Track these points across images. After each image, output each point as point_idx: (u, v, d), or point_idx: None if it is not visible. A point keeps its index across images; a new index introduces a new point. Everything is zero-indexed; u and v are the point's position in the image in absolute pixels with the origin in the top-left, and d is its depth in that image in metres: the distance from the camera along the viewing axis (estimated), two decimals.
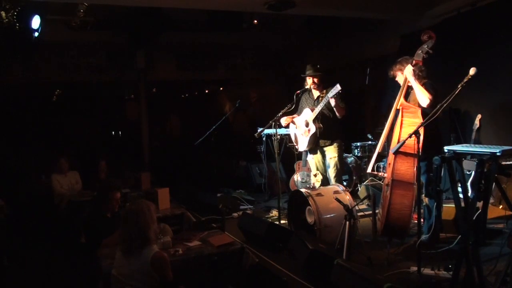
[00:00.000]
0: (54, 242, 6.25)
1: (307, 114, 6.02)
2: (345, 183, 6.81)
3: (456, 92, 3.94)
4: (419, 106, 4.82)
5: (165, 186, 6.20)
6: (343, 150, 6.31)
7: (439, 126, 5.00)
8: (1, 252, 5.58)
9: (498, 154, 3.38)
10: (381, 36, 8.56)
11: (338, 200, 4.66)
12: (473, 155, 3.73)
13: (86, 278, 4.60)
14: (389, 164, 4.73)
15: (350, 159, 7.86)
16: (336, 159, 6.00)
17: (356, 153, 8.03)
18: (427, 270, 4.15)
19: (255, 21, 9.08)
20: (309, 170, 6.48)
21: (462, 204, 3.68)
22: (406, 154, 4.53)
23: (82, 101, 11.99)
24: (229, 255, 4.21)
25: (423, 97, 4.74)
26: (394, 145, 4.68)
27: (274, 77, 12.03)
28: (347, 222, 4.42)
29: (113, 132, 14.24)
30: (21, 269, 5.57)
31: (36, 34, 6.23)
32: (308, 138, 6.01)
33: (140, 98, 11.42)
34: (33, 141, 10.42)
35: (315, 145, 6.08)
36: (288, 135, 6.75)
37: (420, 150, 4.33)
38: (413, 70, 4.85)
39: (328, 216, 5.09)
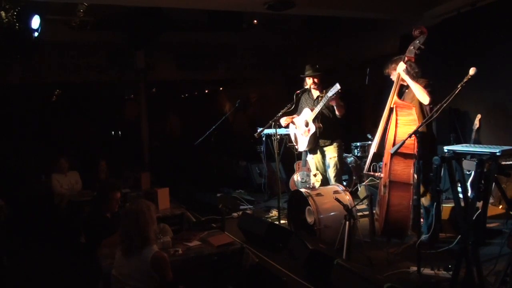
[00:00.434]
0: (54, 242, 6.25)
1: (307, 114, 6.02)
2: (345, 183, 6.81)
3: (456, 92, 3.95)
4: (418, 104, 4.82)
5: (165, 186, 6.19)
6: (343, 150, 6.31)
7: (432, 125, 5.00)
8: (1, 252, 5.58)
9: (498, 154, 3.39)
10: (381, 36, 8.57)
11: (338, 200, 4.66)
12: (473, 155, 3.73)
13: (86, 278, 4.59)
14: (385, 164, 4.72)
15: (350, 159, 7.85)
16: (336, 159, 6.00)
17: (356, 153, 8.03)
18: (427, 270, 4.15)
19: (255, 21, 9.08)
20: (309, 170, 6.48)
21: (462, 204, 3.68)
22: (402, 154, 4.52)
23: (82, 101, 12.00)
24: (229, 255, 4.21)
25: (422, 96, 4.74)
26: (390, 144, 4.66)
27: (274, 77, 12.02)
28: (347, 222, 4.42)
29: (113, 132, 14.25)
30: (21, 269, 5.56)
31: (36, 34, 6.23)
32: (308, 138, 6.01)
33: (140, 98, 11.42)
34: (33, 141, 10.41)
35: (315, 145, 6.08)
36: (288, 135, 6.75)
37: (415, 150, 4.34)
38: (406, 67, 4.81)
39: (328, 216, 5.09)
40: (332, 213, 5.10)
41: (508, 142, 5.71)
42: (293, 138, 6.47)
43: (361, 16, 7.93)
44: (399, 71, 4.85)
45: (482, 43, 6.80)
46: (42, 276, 5.31)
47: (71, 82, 10.75)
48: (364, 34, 9.10)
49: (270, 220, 6.53)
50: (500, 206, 5.33)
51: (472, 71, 3.90)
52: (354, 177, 7.57)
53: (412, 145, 4.46)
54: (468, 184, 5.22)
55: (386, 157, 4.70)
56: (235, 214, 7.03)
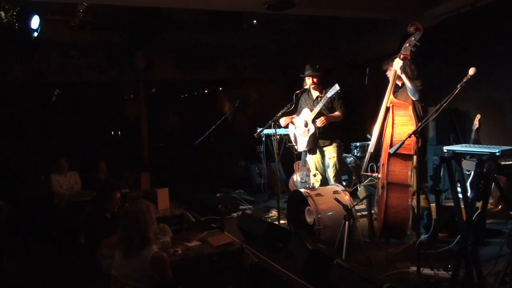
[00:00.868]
0: (53, 242, 6.25)
1: (306, 114, 6.02)
2: (344, 183, 6.80)
3: (456, 92, 3.94)
4: (412, 103, 4.82)
5: (165, 186, 6.20)
6: (343, 150, 6.31)
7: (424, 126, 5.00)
8: (1, 252, 5.58)
9: (497, 154, 3.39)
10: (381, 36, 8.57)
11: (337, 200, 4.65)
12: (472, 155, 3.73)
13: (85, 278, 4.59)
14: (383, 164, 4.69)
15: (350, 159, 7.85)
16: (335, 159, 6.00)
17: (356, 153, 8.02)
18: (427, 270, 4.15)
19: (255, 21, 9.08)
20: (308, 170, 6.47)
21: (462, 204, 3.68)
22: (400, 155, 4.48)
23: (82, 101, 12.00)
24: (228, 255, 4.22)
25: (413, 93, 4.75)
26: (387, 144, 4.64)
27: (273, 77, 12.02)
28: (347, 222, 4.41)
29: (112, 132, 14.24)
30: (21, 269, 5.56)
31: (36, 34, 6.23)
32: (307, 138, 6.01)
33: (139, 98, 11.42)
34: (33, 141, 10.41)
35: (314, 145, 6.08)
36: (288, 135, 6.75)
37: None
38: (403, 66, 4.76)
39: (328, 216, 5.09)
40: (331, 213, 5.09)
41: (508, 142, 5.70)
42: (292, 138, 6.47)
43: (360, 16, 7.93)
44: (396, 68, 4.78)
45: (482, 43, 6.80)
46: (42, 276, 5.32)
47: (71, 82, 10.75)
48: (364, 34, 9.10)
49: (269, 220, 6.51)
50: (500, 206, 5.32)
51: (471, 71, 3.89)
52: (353, 177, 7.57)
53: (409, 146, 4.41)
54: (468, 184, 5.22)
55: (384, 158, 4.67)
56: (234, 214, 7.02)
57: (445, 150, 3.76)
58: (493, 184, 3.66)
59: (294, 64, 10.80)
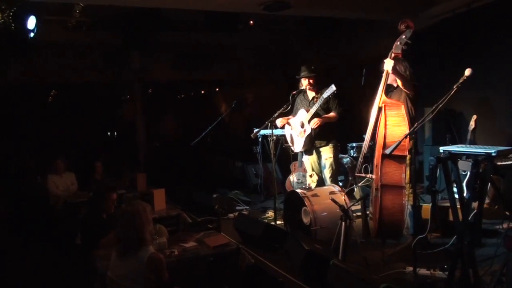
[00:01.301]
0: (49, 243, 6.23)
1: (302, 115, 6.03)
2: (340, 184, 6.80)
3: (452, 93, 3.92)
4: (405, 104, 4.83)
5: (161, 187, 6.19)
6: (339, 150, 6.32)
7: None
8: None
9: (493, 154, 3.40)
10: (378, 37, 8.56)
11: (334, 200, 4.66)
12: (468, 155, 3.74)
13: (81, 279, 4.57)
14: (376, 165, 4.66)
15: (346, 159, 7.85)
16: (331, 159, 6.00)
17: (352, 154, 8.02)
18: (423, 270, 4.16)
19: (251, 22, 9.07)
20: (305, 170, 6.47)
21: (458, 205, 3.69)
22: (393, 156, 4.43)
23: (78, 102, 11.94)
24: (225, 256, 4.22)
25: (405, 88, 4.78)
26: (380, 145, 4.60)
27: (270, 78, 12.00)
28: (343, 223, 4.41)
29: (109, 133, 14.20)
30: (16, 270, 5.53)
31: (32, 34, 6.21)
32: (303, 139, 6.01)
33: (135, 98, 11.40)
34: (28, 142, 10.37)
35: (310, 146, 6.08)
36: (284, 135, 6.75)
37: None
38: (396, 67, 4.75)
39: (324, 216, 5.08)
40: (328, 214, 5.08)
41: (504, 143, 5.74)
42: (289, 139, 6.47)
43: (357, 17, 7.93)
44: (387, 68, 4.75)
45: (477, 44, 6.83)
46: (37, 277, 5.29)
47: (68, 82, 10.71)
48: (361, 35, 9.11)
49: (266, 220, 6.51)
50: (496, 206, 5.33)
51: (467, 72, 3.88)
52: (350, 178, 7.57)
53: (403, 146, 4.38)
54: (464, 184, 5.22)
55: (377, 159, 4.64)
56: (231, 215, 7.02)
57: (441, 151, 3.77)
58: (489, 184, 3.67)
59: (291, 64, 10.78)
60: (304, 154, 6.30)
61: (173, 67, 11.19)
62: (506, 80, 6.43)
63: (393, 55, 4.77)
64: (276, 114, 6.12)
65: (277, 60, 11.69)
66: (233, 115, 12.22)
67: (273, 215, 6.44)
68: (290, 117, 6.31)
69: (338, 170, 6.42)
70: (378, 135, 4.66)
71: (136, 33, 8.74)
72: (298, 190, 5.47)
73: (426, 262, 4.24)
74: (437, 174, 3.64)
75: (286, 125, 6.36)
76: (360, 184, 5.10)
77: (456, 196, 3.68)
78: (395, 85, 5.03)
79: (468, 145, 4.98)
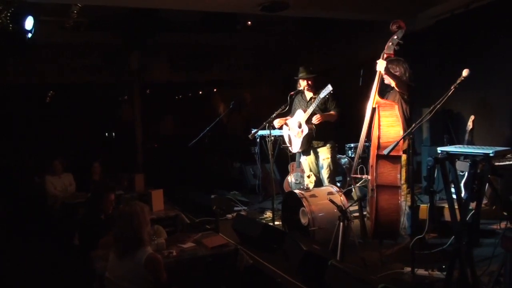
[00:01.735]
0: (47, 244, 6.22)
1: (300, 116, 6.02)
2: (338, 184, 6.81)
3: (449, 93, 3.93)
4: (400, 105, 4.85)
5: (159, 187, 6.19)
6: (336, 151, 6.32)
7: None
8: None
9: (491, 155, 3.40)
10: (375, 37, 8.55)
11: (331, 201, 4.64)
12: (466, 156, 3.75)
13: (79, 280, 4.56)
14: (371, 166, 4.67)
15: (344, 160, 7.85)
16: (329, 160, 6.00)
17: (350, 154, 8.02)
18: (421, 271, 4.15)
19: (249, 22, 9.07)
20: (303, 171, 6.46)
21: (456, 205, 3.69)
22: (388, 156, 4.43)
23: (76, 102, 11.93)
24: (223, 257, 4.23)
25: (401, 88, 4.81)
26: (374, 146, 4.62)
27: (269, 78, 12.00)
28: (341, 223, 4.41)
29: (107, 134, 14.18)
30: (14, 271, 5.53)
31: (30, 35, 6.20)
32: (301, 140, 6.01)
33: (134, 99, 11.38)
34: (26, 142, 10.36)
35: (308, 146, 6.08)
36: (282, 136, 6.75)
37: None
38: (386, 65, 4.76)
39: (322, 217, 5.08)
40: (326, 214, 5.08)
41: (501, 143, 5.74)
42: (286, 140, 6.46)
43: (354, 18, 7.93)
44: (379, 69, 4.77)
45: (475, 44, 6.83)
46: (35, 278, 5.28)
47: (66, 83, 10.70)
48: (359, 36, 9.10)
49: (264, 221, 6.50)
50: (494, 207, 5.33)
51: (465, 72, 3.89)
52: (348, 178, 7.57)
53: (398, 147, 4.36)
54: (462, 185, 5.23)
55: (372, 160, 4.65)
56: (229, 216, 7.01)
57: (439, 151, 3.76)
58: (487, 184, 3.67)
59: (290, 65, 10.79)
60: (302, 154, 6.29)
61: (172, 67, 11.18)
62: (504, 80, 6.44)
63: (385, 55, 4.79)
64: (274, 114, 6.12)
65: (276, 61, 11.69)
66: (232, 116, 12.21)
67: (271, 216, 6.43)
68: (288, 117, 6.31)
69: (336, 170, 6.43)
70: (373, 135, 4.67)
71: (135, 33, 8.72)
72: (296, 191, 5.47)
73: (424, 263, 4.23)
74: (435, 175, 3.65)
75: (284, 126, 6.36)
76: (358, 185, 5.10)
77: (454, 196, 3.70)
78: (392, 85, 5.04)
79: (466, 146, 4.98)
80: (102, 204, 4.74)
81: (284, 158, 7.14)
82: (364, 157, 5.43)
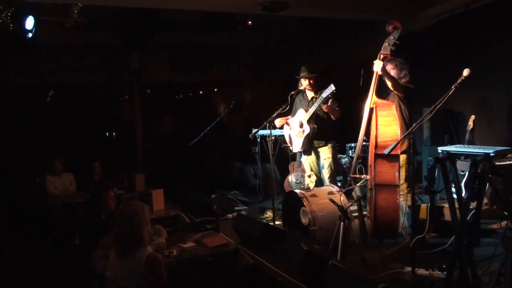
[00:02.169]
0: (47, 243, 6.21)
1: (301, 115, 6.02)
2: (339, 184, 6.80)
3: (450, 93, 3.94)
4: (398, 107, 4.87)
5: (160, 187, 6.18)
6: (337, 150, 6.31)
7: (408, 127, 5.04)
8: None
9: (491, 154, 3.42)
10: (376, 37, 8.57)
11: (332, 201, 4.64)
12: (466, 155, 3.76)
13: (80, 280, 4.55)
14: (370, 166, 4.69)
15: (345, 160, 7.85)
16: (330, 159, 6.00)
17: (351, 154, 8.02)
18: (421, 271, 4.15)
19: (250, 22, 9.07)
20: (303, 171, 6.46)
21: (456, 205, 3.69)
22: (385, 155, 4.46)
23: (76, 102, 11.93)
24: (223, 256, 4.23)
25: (397, 88, 4.86)
26: (372, 146, 4.64)
27: (269, 78, 12.00)
28: (341, 223, 4.41)
29: (107, 133, 14.18)
30: (14, 271, 5.52)
31: (30, 35, 6.19)
32: (302, 139, 6.01)
33: (134, 99, 11.38)
34: (27, 142, 10.36)
35: (309, 146, 6.08)
36: (283, 136, 6.75)
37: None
38: (383, 66, 4.78)
39: (322, 217, 5.07)
40: (326, 214, 5.07)
41: (502, 143, 5.74)
42: (287, 139, 6.46)
43: (354, 18, 7.93)
44: (376, 69, 4.79)
45: (476, 44, 6.83)
46: (36, 278, 5.28)
47: (66, 83, 10.70)
48: (359, 35, 9.09)
49: (264, 221, 6.50)
50: (494, 207, 5.33)
51: (465, 72, 3.90)
52: (348, 178, 7.56)
53: (396, 146, 4.40)
54: (462, 184, 5.23)
55: (370, 159, 4.68)
56: (229, 215, 6.99)
57: (439, 151, 3.76)
58: (488, 184, 3.67)
59: (290, 65, 10.79)
60: (302, 154, 6.29)
61: (172, 67, 11.17)
62: (505, 80, 6.44)
63: (382, 56, 4.85)
64: (275, 114, 6.12)
65: (276, 61, 11.68)
66: (232, 116, 12.21)
67: (272, 216, 6.43)
68: (289, 117, 6.30)
69: (337, 170, 6.43)
70: (370, 135, 4.71)
71: (135, 33, 8.72)
72: (297, 191, 5.47)
73: (425, 262, 4.23)
74: (436, 174, 3.65)
75: (285, 125, 6.36)
76: (358, 185, 5.10)
77: (455, 196, 3.69)
78: (388, 85, 5.07)
79: (466, 145, 4.99)
80: (102, 203, 4.74)
81: (284, 158, 7.13)
82: (365, 157, 5.42)
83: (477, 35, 6.83)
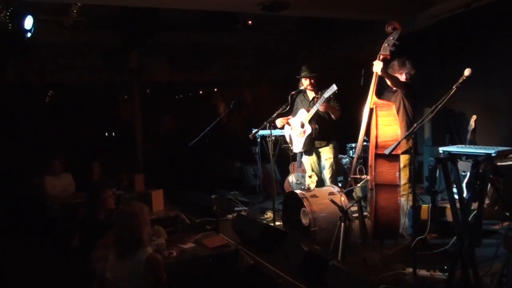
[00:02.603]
0: (46, 244, 6.19)
1: (303, 115, 6.00)
2: (340, 184, 6.79)
3: (451, 93, 3.92)
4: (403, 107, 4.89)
5: (159, 187, 6.18)
6: (338, 151, 6.29)
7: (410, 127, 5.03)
8: None
9: (493, 155, 3.39)
10: (376, 37, 8.55)
11: (333, 201, 4.63)
12: (468, 156, 3.72)
13: (79, 281, 4.53)
14: (370, 166, 4.69)
15: (345, 160, 7.83)
16: (331, 160, 5.99)
17: (351, 154, 8.01)
18: (423, 272, 4.14)
19: (250, 22, 9.05)
20: (304, 171, 6.45)
21: (458, 205, 3.67)
22: (386, 155, 4.43)
23: (76, 102, 11.92)
24: (223, 257, 4.23)
25: (398, 86, 4.90)
26: (372, 146, 4.65)
27: (269, 78, 11.98)
28: (342, 224, 4.39)
29: (106, 134, 14.18)
30: (13, 272, 5.51)
31: (29, 34, 6.18)
32: (303, 139, 5.99)
33: (133, 99, 11.36)
34: (26, 142, 10.34)
35: (310, 147, 6.06)
36: (283, 136, 6.73)
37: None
38: (383, 66, 4.80)
39: (323, 217, 5.05)
40: (327, 215, 5.05)
41: (504, 143, 5.71)
42: (288, 139, 6.44)
43: (355, 18, 7.91)
44: (376, 70, 4.80)
45: (477, 44, 6.81)
46: (35, 279, 5.27)
47: (65, 82, 10.68)
48: (360, 35, 9.08)
49: (265, 221, 6.48)
50: (496, 207, 5.32)
51: (467, 72, 3.90)
52: (349, 178, 7.54)
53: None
54: (464, 185, 5.21)
55: (371, 159, 4.68)
56: (229, 216, 6.97)
57: (440, 151, 3.74)
58: (489, 185, 3.65)
59: (290, 64, 10.77)
60: (303, 154, 6.27)
61: (172, 67, 11.15)
62: (506, 80, 6.42)
63: (381, 56, 4.84)
64: (275, 114, 6.10)
65: (276, 60, 11.66)
66: (232, 116, 12.20)
67: (272, 216, 6.42)
68: (290, 117, 6.29)
69: (338, 170, 6.42)
70: (371, 135, 4.71)
71: (135, 33, 8.70)
72: (297, 191, 5.45)
73: (426, 263, 4.23)
74: (437, 175, 3.62)
75: (286, 125, 6.34)
76: (359, 185, 5.09)
77: (456, 196, 3.66)
78: (393, 89, 5.08)
79: (467, 146, 4.96)
80: (101, 203, 4.73)
81: (284, 158, 7.11)
82: (365, 157, 5.41)
83: (478, 34, 6.81)
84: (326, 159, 6.01)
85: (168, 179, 8.59)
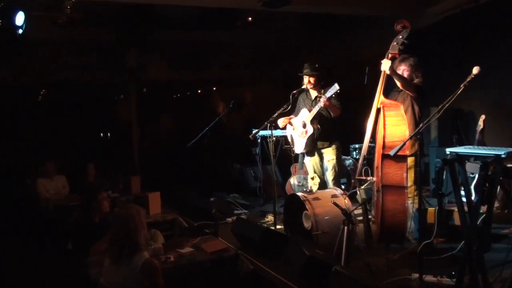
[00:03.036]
0: (39, 248, 6.12)
1: (304, 115, 5.94)
2: (343, 187, 6.71)
3: (459, 92, 3.86)
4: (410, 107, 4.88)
5: (156, 190, 6.13)
6: (341, 152, 6.21)
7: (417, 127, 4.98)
8: None
9: (503, 156, 3.30)
10: (381, 34, 8.49)
11: (336, 204, 4.55)
12: (476, 157, 3.66)
13: (73, 286, 4.49)
14: (377, 167, 4.64)
15: (348, 161, 7.77)
16: (334, 161, 5.91)
17: (355, 155, 7.96)
18: (429, 277, 4.06)
19: (250, 18, 8.99)
20: (306, 173, 6.41)
21: (466, 209, 3.57)
22: (393, 156, 4.35)
23: (70, 102, 11.88)
24: (222, 262, 4.19)
25: (407, 88, 4.87)
26: (379, 146, 4.59)
27: (270, 77, 11.95)
28: (346, 227, 4.31)
29: (102, 134, 14.18)
30: (6, 276, 5.43)
31: (21, 31, 6.08)
32: (305, 140, 5.92)
33: (130, 98, 11.32)
34: (19, 143, 10.29)
35: (312, 147, 5.99)
36: (284, 136, 6.66)
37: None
38: (391, 65, 4.75)
39: (326, 221, 4.98)
40: (330, 218, 4.98)
41: None
42: (289, 140, 6.39)
43: (359, 14, 7.92)
44: (384, 69, 4.76)
45: (485, 41, 6.80)
46: (28, 283, 5.22)
47: (60, 81, 10.64)
48: (363, 32, 9.07)
49: (265, 225, 6.43)
50: (506, 211, 5.26)
51: (475, 70, 3.84)
52: (352, 180, 7.47)
53: (404, 147, 4.30)
54: (472, 187, 5.13)
55: (377, 160, 4.63)
56: (229, 219, 6.88)
57: (448, 152, 3.67)
58: (498, 187, 3.57)
59: (292, 63, 10.73)
60: (305, 155, 6.21)
61: (170, 65, 11.13)
62: None
63: (390, 55, 4.79)
64: (276, 114, 6.04)
65: (277, 58, 11.65)
66: (231, 115, 12.15)
67: (273, 219, 6.36)
68: (292, 116, 6.21)
69: (341, 172, 6.37)
70: (377, 136, 4.66)
71: (132, 30, 8.64)
72: (299, 193, 5.38)
73: (433, 269, 4.15)
74: (444, 177, 3.60)
75: (288, 125, 6.28)
76: (363, 187, 5.01)
77: (464, 199, 3.60)
78: (399, 89, 5.03)
79: (476, 146, 4.89)
80: (95, 205, 4.69)
81: (286, 160, 7.06)
82: (370, 158, 5.32)
83: (487, 31, 6.80)
84: (328, 160, 5.94)
85: (165, 180, 8.56)
